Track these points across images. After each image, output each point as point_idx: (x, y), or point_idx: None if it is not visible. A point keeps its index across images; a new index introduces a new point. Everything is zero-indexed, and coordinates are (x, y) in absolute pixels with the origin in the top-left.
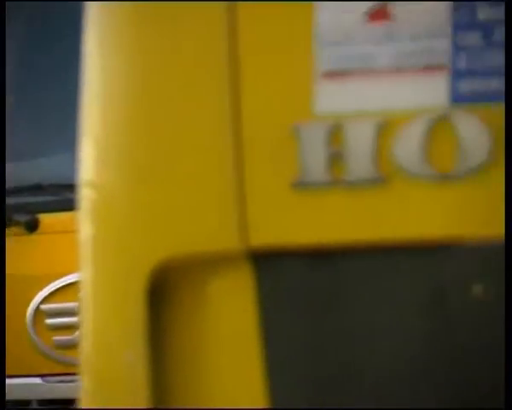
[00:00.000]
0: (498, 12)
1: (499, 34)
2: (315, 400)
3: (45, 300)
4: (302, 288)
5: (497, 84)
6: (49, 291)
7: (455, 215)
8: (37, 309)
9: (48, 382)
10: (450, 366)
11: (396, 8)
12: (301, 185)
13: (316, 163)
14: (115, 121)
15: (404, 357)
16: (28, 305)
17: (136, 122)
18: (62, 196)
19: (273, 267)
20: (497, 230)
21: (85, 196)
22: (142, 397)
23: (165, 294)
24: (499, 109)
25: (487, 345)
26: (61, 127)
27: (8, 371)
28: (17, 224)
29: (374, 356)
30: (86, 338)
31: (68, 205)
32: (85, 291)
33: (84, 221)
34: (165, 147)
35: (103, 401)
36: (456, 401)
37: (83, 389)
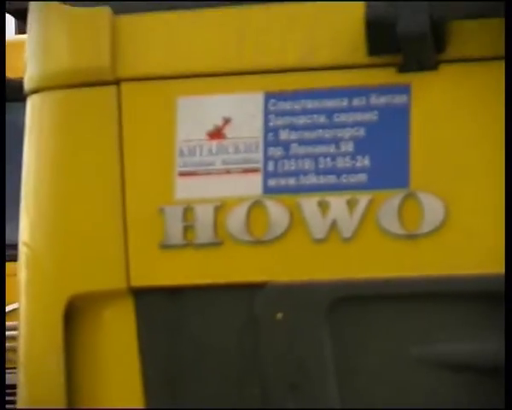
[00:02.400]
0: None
1: (296, 148)
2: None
3: None
4: (165, 315)
5: (294, 181)
6: None
7: (267, 265)
8: None
9: None
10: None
11: (228, 130)
12: (165, 246)
13: (175, 231)
14: (41, 198)
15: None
16: None
17: (54, 198)
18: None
19: (146, 300)
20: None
21: (21, 251)
22: (57, 390)
23: (76, 318)
24: (296, 197)
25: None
26: None
27: None
28: None
29: (207, 366)
30: (21, 347)
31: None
32: (21, 315)
33: (20, 268)
34: (73, 216)
35: (31, 391)
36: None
37: (19, 380)
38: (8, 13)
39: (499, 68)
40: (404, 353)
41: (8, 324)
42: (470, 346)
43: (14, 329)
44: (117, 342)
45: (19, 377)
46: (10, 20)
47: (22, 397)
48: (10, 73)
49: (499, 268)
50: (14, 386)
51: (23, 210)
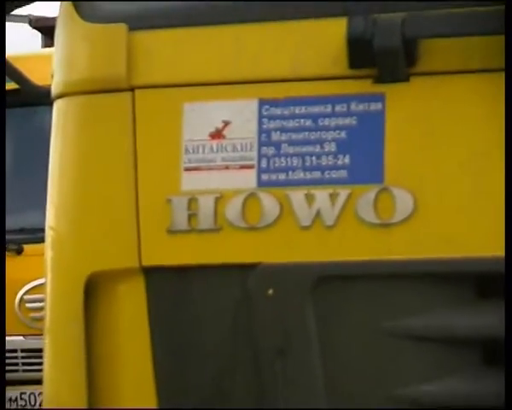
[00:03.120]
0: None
1: (286, 147)
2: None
3: (26, 292)
4: (171, 290)
5: (284, 176)
6: (28, 288)
7: (260, 248)
8: (21, 297)
9: (27, 339)
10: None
11: (227, 132)
12: (172, 231)
13: (180, 218)
14: (64, 189)
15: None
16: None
17: (75, 189)
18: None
19: (155, 278)
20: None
21: (47, 234)
22: (77, 354)
23: (94, 292)
24: (285, 190)
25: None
26: None
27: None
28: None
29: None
30: (47, 316)
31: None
32: (47, 289)
33: (47, 249)
34: (92, 204)
35: (54, 355)
36: None
37: (44, 345)
38: (36, 29)
39: (464, 80)
40: (378, 325)
41: (37, 296)
42: (438, 320)
43: (41, 301)
44: (130, 314)
45: (44, 342)
46: (37, 35)
47: (47, 360)
48: (39, 82)
49: (462, 252)
50: (40, 350)
51: (49, 199)
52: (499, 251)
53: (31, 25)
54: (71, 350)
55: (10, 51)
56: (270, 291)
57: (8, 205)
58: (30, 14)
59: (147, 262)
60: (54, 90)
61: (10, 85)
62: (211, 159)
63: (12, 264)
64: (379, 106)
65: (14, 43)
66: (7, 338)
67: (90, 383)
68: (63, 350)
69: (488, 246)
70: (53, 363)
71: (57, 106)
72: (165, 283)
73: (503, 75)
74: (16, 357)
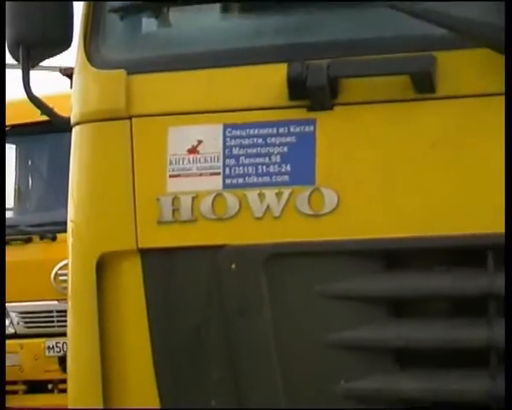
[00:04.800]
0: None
1: (243, 159)
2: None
3: (59, 269)
4: (160, 267)
5: (242, 181)
6: (60, 265)
7: (225, 234)
8: (56, 272)
9: (60, 302)
10: None
11: (200, 148)
12: (160, 222)
13: (167, 212)
14: (80, 191)
15: None
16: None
17: (88, 191)
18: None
19: (148, 257)
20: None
21: (68, 225)
22: (91, 317)
23: (104, 269)
24: (243, 191)
25: None
26: None
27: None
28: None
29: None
30: (69, 288)
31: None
32: (69, 267)
33: (68, 236)
34: (101, 203)
35: (74, 314)
36: None
37: (68, 308)
38: (65, 76)
39: (372, 108)
40: (312, 290)
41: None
42: (356, 285)
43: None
44: (130, 284)
45: (68, 306)
46: (67, 81)
47: (69, 318)
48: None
49: (373, 234)
50: (65, 311)
51: (69, 199)
52: (402, 233)
53: (61, 72)
54: (86, 312)
55: (44, 93)
56: (233, 266)
57: (46, 205)
58: (60, 65)
59: (142, 245)
60: (72, 120)
61: (44, 118)
62: (188, 168)
63: (49, 248)
64: (311, 128)
65: (48, 87)
66: (46, 302)
67: (102, 336)
68: (81, 312)
69: (394, 229)
70: (73, 321)
71: (75, 131)
72: (155, 260)
73: (403, 104)
74: (52, 316)
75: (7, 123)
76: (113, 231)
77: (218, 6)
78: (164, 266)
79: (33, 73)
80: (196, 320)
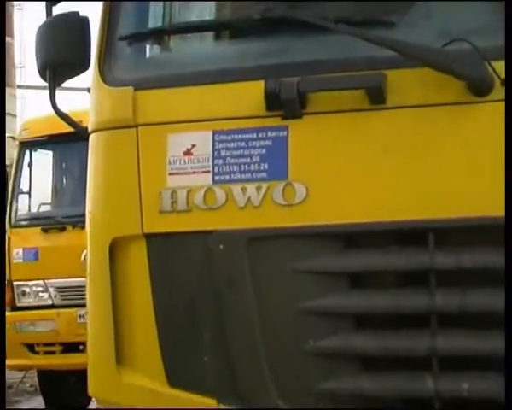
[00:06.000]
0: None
1: (229, 159)
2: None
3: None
4: (161, 249)
5: (228, 177)
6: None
7: (215, 221)
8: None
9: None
10: None
11: (194, 151)
12: (161, 211)
13: (166, 204)
14: (96, 188)
15: None
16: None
17: (103, 188)
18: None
19: (151, 241)
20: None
21: (87, 216)
22: (106, 291)
23: (116, 251)
24: (229, 185)
25: None
26: None
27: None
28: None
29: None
30: (87, 267)
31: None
32: (87, 250)
33: (86, 225)
34: (112, 197)
35: (91, 290)
36: None
37: (86, 283)
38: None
39: (336, 117)
40: (285, 267)
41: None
42: (321, 262)
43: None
44: (137, 264)
45: (87, 282)
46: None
47: (88, 293)
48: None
49: (335, 220)
50: (84, 286)
51: (87, 195)
52: (359, 219)
53: (88, 92)
54: (101, 286)
55: (73, 110)
56: (221, 247)
57: (76, 199)
58: (88, 87)
59: (146, 230)
60: (89, 128)
61: (70, 129)
62: (184, 167)
63: (79, 235)
64: (285, 133)
65: (78, 105)
66: (77, 279)
67: (114, 306)
68: (97, 286)
69: (353, 215)
70: (91, 294)
71: (91, 138)
72: (157, 243)
73: (359, 114)
74: (83, 290)
75: (45, 133)
76: (123, 220)
77: (209, 34)
78: (164, 248)
79: (67, 94)
80: (191, 292)
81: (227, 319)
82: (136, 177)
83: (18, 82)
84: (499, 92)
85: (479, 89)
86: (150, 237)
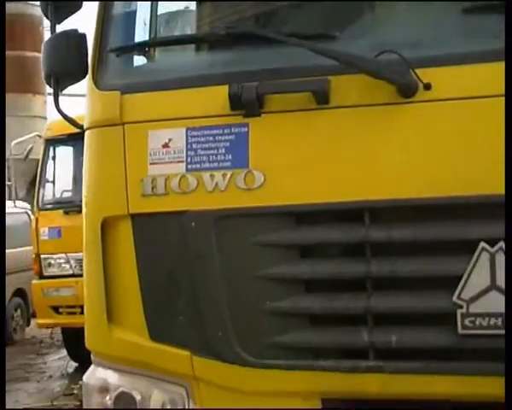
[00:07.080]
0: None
1: (200, 151)
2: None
3: None
4: (144, 227)
5: (199, 166)
6: None
7: (187, 202)
8: None
9: None
10: None
11: (171, 144)
12: (143, 195)
13: (147, 188)
14: (91, 178)
15: None
16: None
17: (95, 177)
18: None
19: (136, 220)
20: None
21: (83, 200)
22: (98, 266)
23: (106, 229)
24: (200, 172)
25: None
26: None
27: None
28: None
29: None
30: (83, 243)
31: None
32: (83, 229)
33: (83, 206)
34: (103, 185)
35: (87, 265)
36: None
37: (83, 259)
38: None
39: (288, 116)
40: (248, 241)
41: None
42: (278, 235)
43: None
44: (124, 240)
45: (83, 255)
46: None
47: (84, 263)
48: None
49: (288, 201)
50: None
51: (83, 183)
52: (307, 200)
53: None
54: (95, 259)
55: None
56: (193, 224)
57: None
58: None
59: (132, 211)
60: (84, 127)
61: (76, 130)
62: (162, 158)
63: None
64: (246, 129)
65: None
66: None
67: (105, 275)
68: (91, 258)
69: (302, 197)
70: (87, 265)
71: (86, 135)
72: (141, 222)
73: (307, 112)
74: None
75: (66, 132)
76: (112, 202)
77: (184, 47)
78: (146, 225)
79: (76, 99)
80: (169, 262)
81: (198, 285)
82: (123, 166)
83: (48, 90)
84: (422, 95)
85: (405, 92)
86: (135, 217)
